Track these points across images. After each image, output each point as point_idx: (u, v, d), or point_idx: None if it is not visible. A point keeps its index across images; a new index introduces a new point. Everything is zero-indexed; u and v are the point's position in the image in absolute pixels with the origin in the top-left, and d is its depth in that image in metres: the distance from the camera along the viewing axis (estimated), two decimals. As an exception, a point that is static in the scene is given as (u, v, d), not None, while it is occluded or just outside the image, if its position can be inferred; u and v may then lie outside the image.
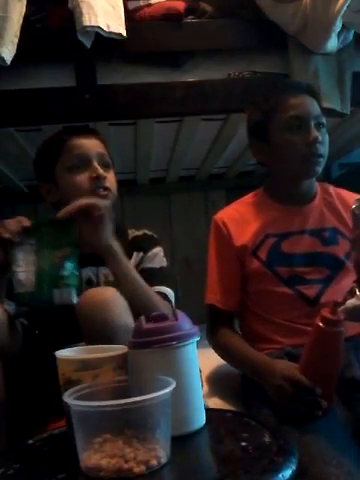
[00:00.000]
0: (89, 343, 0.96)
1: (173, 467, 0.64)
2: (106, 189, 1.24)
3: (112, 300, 1.05)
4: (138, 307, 1.08)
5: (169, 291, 1.27)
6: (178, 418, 0.70)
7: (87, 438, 0.64)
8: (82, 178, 1.24)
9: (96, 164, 1.25)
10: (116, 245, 1.17)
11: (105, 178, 1.24)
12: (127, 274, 1.16)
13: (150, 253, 1.30)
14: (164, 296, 1.24)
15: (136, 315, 1.08)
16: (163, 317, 0.77)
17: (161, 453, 0.63)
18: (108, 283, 1.22)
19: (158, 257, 1.32)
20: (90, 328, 1.02)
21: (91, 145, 1.27)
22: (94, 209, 1.14)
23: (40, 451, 0.77)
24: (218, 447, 0.73)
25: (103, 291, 1.09)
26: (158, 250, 1.33)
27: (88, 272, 1.26)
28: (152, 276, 1.25)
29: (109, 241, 1.16)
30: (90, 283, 1.25)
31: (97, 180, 1.23)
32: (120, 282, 1.16)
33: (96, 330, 1.00)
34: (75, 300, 1.09)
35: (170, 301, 1.25)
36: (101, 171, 1.24)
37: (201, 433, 0.75)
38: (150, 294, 1.17)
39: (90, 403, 0.63)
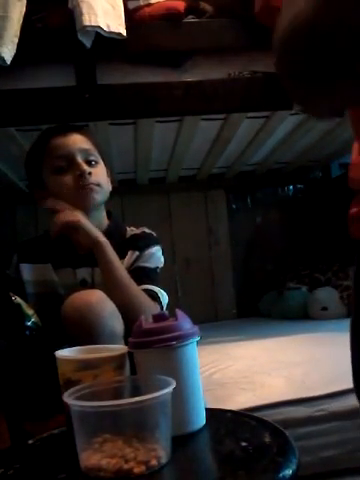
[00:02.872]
0: (73, 346, 0.93)
1: (173, 467, 0.64)
2: (92, 184, 1.24)
3: (97, 304, 1.04)
4: (119, 301, 1.09)
5: (160, 291, 1.24)
6: (178, 418, 0.70)
7: (87, 438, 0.64)
8: (68, 178, 1.23)
9: (79, 160, 1.24)
10: (104, 240, 1.19)
11: (90, 174, 1.23)
12: (111, 268, 1.17)
13: (146, 252, 1.28)
14: (154, 295, 1.22)
15: (120, 311, 1.09)
16: (163, 317, 0.77)
17: (161, 453, 0.63)
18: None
19: (154, 256, 1.29)
20: (74, 332, 1.02)
21: (72, 142, 1.26)
22: (71, 223, 1.18)
23: (40, 451, 0.77)
24: (218, 447, 0.73)
25: (88, 294, 1.08)
26: (155, 249, 1.30)
27: (83, 273, 1.26)
28: (144, 275, 1.24)
29: (95, 236, 1.19)
30: (85, 284, 1.25)
31: (82, 178, 1.22)
32: (104, 275, 1.18)
33: (81, 334, 0.99)
34: None
35: (160, 301, 1.23)
36: (85, 167, 1.23)
37: (201, 433, 0.75)
38: (133, 290, 1.17)
39: (90, 403, 0.63)
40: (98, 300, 1.05)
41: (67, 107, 1.54)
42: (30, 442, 0.80)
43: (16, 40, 1.38)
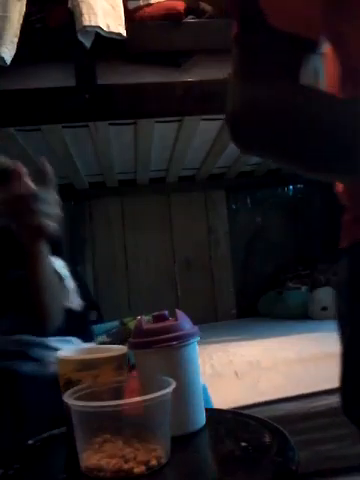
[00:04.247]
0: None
1: (173, 467, 0.64)
2: None
3: None
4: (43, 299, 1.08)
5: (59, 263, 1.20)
6: (178, 418, 0.70)
7: (87, 438, 0.64)
8: None
9: None
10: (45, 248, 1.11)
11: None
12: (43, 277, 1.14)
13: None
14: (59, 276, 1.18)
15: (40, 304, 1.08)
16: (163, 317, 0.77)
17: (161, 453, 0.63)
18: None
19: None
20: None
21: None
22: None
23: (40, 451, 0.77)
24: (218, 447, 0.73)
25: None
26: None
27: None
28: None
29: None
30: None
31: None
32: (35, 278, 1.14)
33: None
34: None
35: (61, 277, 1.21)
36: None
37: (201, 433, 0.75)
38: (55, 290, 1.16)
39: (90, 403, 0.63)
40: None
41: (67, 107, 1.55)
42: (30, 442, 0.80)
43: (16, 40, 1.38)
